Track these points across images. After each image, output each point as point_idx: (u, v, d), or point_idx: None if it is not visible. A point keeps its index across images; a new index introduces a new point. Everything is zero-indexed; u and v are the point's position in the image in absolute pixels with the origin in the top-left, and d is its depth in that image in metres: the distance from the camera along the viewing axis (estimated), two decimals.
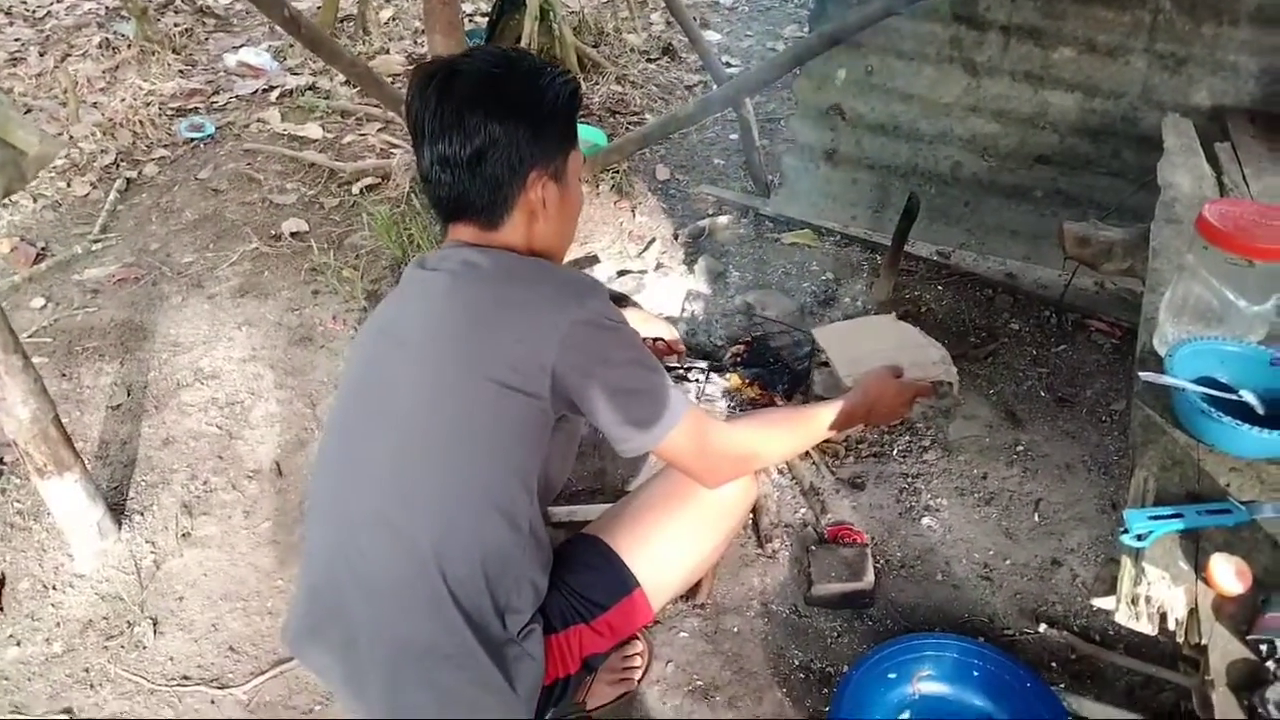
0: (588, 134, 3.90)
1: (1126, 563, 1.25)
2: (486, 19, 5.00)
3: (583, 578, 1.68)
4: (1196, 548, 1.25)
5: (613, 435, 1.52)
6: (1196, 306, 1.55)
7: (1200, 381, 1.44)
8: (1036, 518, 2.41)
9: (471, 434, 1.46)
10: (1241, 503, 1.29)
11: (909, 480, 2.52)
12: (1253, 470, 1.37)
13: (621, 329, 1.50)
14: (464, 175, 1.48)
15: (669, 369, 2.76)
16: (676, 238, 3.57)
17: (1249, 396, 1.43)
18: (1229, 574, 1.17)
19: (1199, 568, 1.21)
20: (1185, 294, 1.57)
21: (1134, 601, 1.22)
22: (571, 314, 1.43)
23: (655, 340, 2.25)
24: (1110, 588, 1.28)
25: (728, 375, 2.62)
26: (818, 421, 1.76)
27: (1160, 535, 1.25)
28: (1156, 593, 1.21)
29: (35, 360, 3.01)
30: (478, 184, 1.48)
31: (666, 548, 1.78)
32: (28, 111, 4.43)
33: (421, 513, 1.47)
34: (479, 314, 1.47)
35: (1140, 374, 1.43)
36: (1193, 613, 1.18)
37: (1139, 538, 1.24)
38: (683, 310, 3.12)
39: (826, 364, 2.43)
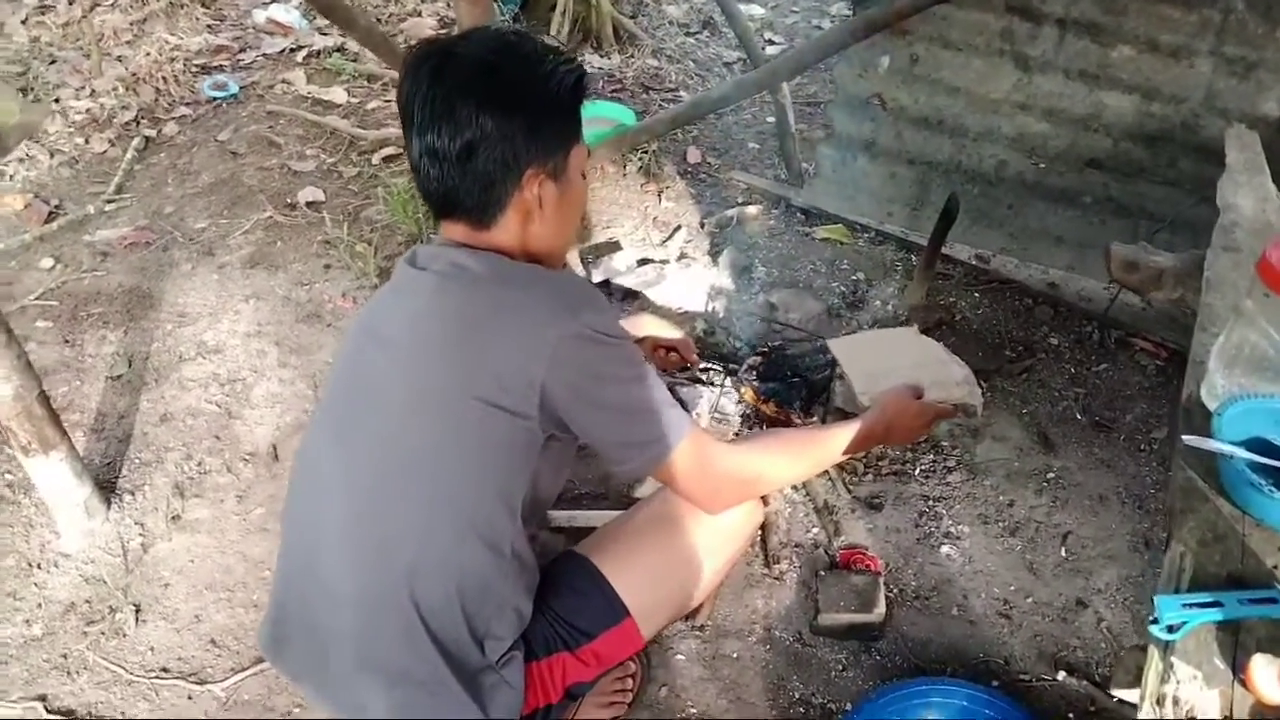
0: (616, 112, 3.76)
1: (1154, 655, 1.12)
2: None
3: (569, 603, 1.60)
4: (1235, 642, 1.11)
5: (608, 457, 1.44)
6: (1252, 357, 1.40)
7: (1251, 444, 1.30)
8: (1063, 552, 2.27)
9: (452, 455, 1.38)
10: None
11: (930, 503, 2.39)
12: None
13: (619, 344, 1.40)
14: (453, 170, 1.37)
15: (682, 370, 2.63)
16: (703, 226, 3.43)
17: None
18: (1271, 679, 1.04)
19: (1237, 667, 1.08)
20: (1240, 342, 1.41)
21: (1160, 702, 1.08)
22: (564, 327, 1.33)
23: (669, 351, 2.13)
24: (1135, 679, 1.16)
25: (743, 388, 2.49)
26: (831, 445, 1.64)
27: (1195, 626, 1.12)
28: (1186, 694, 1.08)
29: (40, 325, 3.01)
30: (468, 181, 1.37)
31: (661, 575, 1.69)
32: (52, 62, 4.36)
33: (396, 536, 1.39)
34: (466, 324, 1.37)
35: (1183, 437, 1.28)
36: None
37: (1170, 629, 1.11)
38: (706, 306, 2.99)
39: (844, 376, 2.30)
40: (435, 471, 1.38)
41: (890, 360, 2.20)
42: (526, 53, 1.38)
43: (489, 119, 1.33)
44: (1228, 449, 1.25)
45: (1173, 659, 1.10)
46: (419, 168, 1.41)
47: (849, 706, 1.94)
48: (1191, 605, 1.13)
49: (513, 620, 1.47)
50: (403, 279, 1.49)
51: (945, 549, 2.28)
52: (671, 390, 2.47)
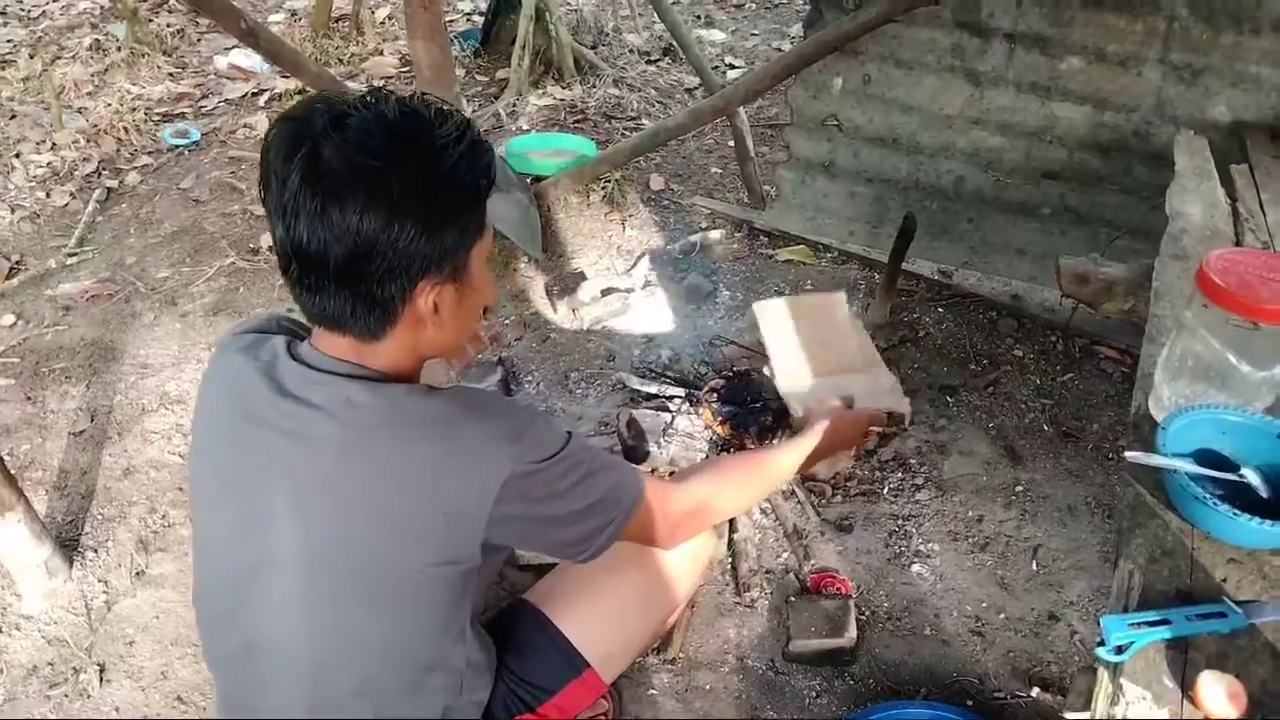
0: (576, 144, 3.76)
1: (1103, 677, 1.11)
2: (483, 19, 4.89)
3: (526, 661, 1.55)
4: (1185, 659, 1.10)
5: (569, 555, 1.35)
6: (1196, 368, 1.40)
7: (1199, 456, 1.29)
8: (1034, 566, 2.26)
9: (396, 624, 1.27)
10: (1238, 604, 1.14)
11: (899, 522, 2.37)
12: (1254, 562, 1.21)
13: (561, 458, 1.25)
14: (328, 284, 1.15)
15: (650, 396, 2.62)
16: (667, 253, 3.43)
17: (1251, 476, 1.28)
18: (1219, 697, 1.02)
19: (1186, 685, 1.06)
20: (1184, 353, 1.41)
21: None
22: (504, 470, 1.20)
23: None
24: (1086, 702, 1.15)
25: (701, 409, 2.48)
26: (776, 466, 1.68)
27: (1143, 646, 1.11)
28: (1135, 715, 1.06)
29: (1, 382, 2.97)
30: (350, 298, 1.16)
31: (616, 619, 1.65)
32: (12, 117, 4.35)
33: (346, 685, 1.29)
34: (390, 494, 1.21)
35: (1126, 454, 1.28)
36: None
37: (1118, 650, 1.10)
38: (672, 329, 2.98)
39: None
40: (377, 628, 1.27)
41: (817, 353, 2.24)
42: (421, 143, 1.13)
43: (374, 226, 1.10)
44: (1170, 463, 1.25)
45: (1121, 680, 1.09)
46: (286, 268, 1.17)
47: None
48: (1139, 625, 1.12)
49: (473, 711, 1.43)
50: (276, 410, 1.23)
51: (916, 568, 2.27)
52: (635, 421, 2.46)
